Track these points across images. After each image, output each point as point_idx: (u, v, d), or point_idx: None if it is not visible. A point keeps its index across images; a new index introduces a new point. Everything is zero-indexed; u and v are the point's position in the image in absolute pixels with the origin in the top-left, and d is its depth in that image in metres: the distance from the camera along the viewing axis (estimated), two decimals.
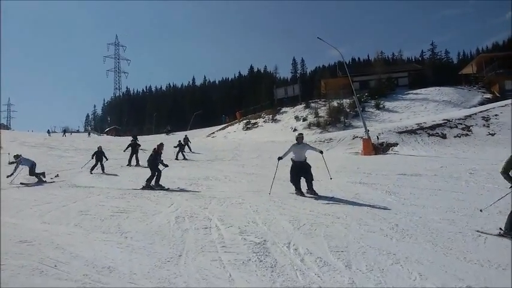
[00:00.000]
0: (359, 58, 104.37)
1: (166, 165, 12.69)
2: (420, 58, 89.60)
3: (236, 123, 46.19)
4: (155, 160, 12.28)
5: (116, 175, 15.66)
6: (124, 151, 20.04)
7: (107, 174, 15.98)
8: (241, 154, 24.16)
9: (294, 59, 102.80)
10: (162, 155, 12.71)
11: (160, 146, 12.84)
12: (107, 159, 17.14)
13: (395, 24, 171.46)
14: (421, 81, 45.78)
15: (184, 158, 22.13)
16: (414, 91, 42.36)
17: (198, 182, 13.17)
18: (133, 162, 18.84)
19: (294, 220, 7.36)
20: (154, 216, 8.02)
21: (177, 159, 21.46)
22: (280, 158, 10.67)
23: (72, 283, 4.59)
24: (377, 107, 38.82)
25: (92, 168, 16.49)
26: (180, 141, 23.80)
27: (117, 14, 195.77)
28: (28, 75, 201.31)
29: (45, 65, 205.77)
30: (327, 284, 4.53)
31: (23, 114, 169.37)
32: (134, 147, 19.41)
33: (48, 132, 56.13)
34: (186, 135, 27.28)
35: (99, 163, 16.65)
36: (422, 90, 41.80)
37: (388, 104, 39.31)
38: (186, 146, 24.59)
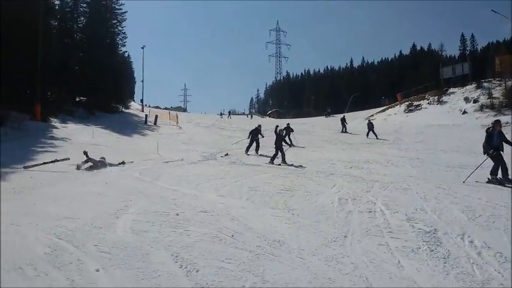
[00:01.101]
0: None
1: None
2: None
3: (397, 105, 44.01)
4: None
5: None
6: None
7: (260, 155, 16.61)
8: (402, 138, 23.08)
9: (462, 35, 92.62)
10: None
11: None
12: (262, 137, 17.63)
13: None
14: None
15: (292, 144, 18.94)
16: None
17: (359, 164, 13.04)
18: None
19: (467, 210, 6.80)
20: (318, 196, 8.23)
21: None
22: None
23: (247, 253, 5.01)
24: None
25: (247, 149, 16.73)
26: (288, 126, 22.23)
27: None
28: (201, 62, 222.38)
29: (215, 53, 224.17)
30: (510, 281, 4.12)
31: (197, 98, 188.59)
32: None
33: (220, 114, 61.41)
34: (288, 124, 23.42)
35: (254, 143, 16.90)
36: None
37: None
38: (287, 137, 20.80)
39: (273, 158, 14.05)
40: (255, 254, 4.97)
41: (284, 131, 20.59)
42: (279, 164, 13.55)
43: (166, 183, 9.79)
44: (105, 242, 5.30)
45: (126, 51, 53.57)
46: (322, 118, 48.03)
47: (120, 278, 4.25)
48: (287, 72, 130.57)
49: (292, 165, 13.39)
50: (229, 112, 66.71)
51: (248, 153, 16.55)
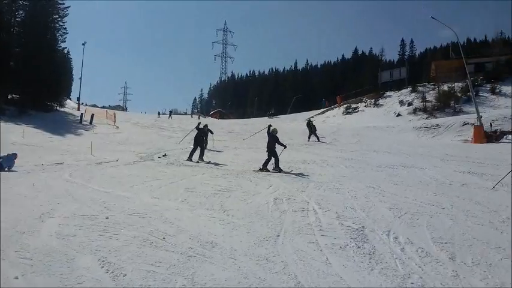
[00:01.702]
0: (475, 39, 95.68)
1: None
2: None
3: (336, 107, 45.42)
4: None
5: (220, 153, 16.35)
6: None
7: (217, 152, 16.58)
8: (339, 139, 23.81)
9: (402, 40, 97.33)
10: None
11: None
12: (212, 133, 17.51)
13: None
14: None
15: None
16: None
17: (296, 165, 13.27)
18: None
19: (394, 208, 7.14)
20: (254, 196, 8.30)
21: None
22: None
23: (178, 255, 4.95)
24: (493, 91, 35.48)
25: (191, 155, 14.98)
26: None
27: None
28: (142, 61, 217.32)
29: (158, 51, 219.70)
30: (429, 275, 4.37)
31: (139, 98, 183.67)
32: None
33: (159, 114, 60.05)
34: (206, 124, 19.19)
35: (198, 148, 15.04)
36: None
37: (505, 89, 35.71)
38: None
39: (265, 164, 12.35)
40: (186, 256, 4.91)
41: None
42: (279, 171, 12.03)
43: (98, 185, 9.44)
44: (28, 248, 5.02)
45: (66, 48, 51.13)
46: (265, 119, 48.45)
47: (40, 285, 4.05)
48: (232, 72, 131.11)
49: (292, 171, 13.39)
50: (170, 112, 62.76)
51: (192, 159, 14.80)
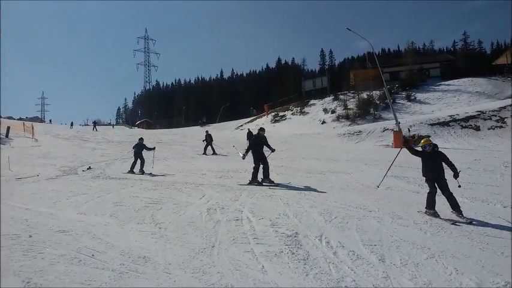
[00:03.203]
0: (389, 49, 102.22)
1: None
2: (452, 48, 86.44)
3: (264, 115, 46.29)
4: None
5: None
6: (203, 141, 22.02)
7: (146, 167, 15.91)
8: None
9: (322, 51, 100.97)
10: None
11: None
12: (153, 149, 15.74)
13: (426, 14, 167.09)
14: (453, 72, 44.51)
15: (214, 152, 21.46)
16: (446, 82, 41.35)
17: (228, 174, 13.27)
18: (210, 151, 21.33)
19: (325, 213, 7.34)
20: (187, 208, 8.14)
21: (205, 153, 21.18)
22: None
23: (109, 272, 4.72)
24: (408, 98, 38.10)
25: (132, 167, 14.75)
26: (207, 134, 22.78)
27: (145, 7, 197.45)
28: (60, 70, 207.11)
29: (77, 59, 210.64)
30: (361, 277, 4.52)
31: (58, 108, 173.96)
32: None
33: (71, 125, 56.04)
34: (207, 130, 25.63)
35: (138, 160, 14.87)
36: (455, 81, 40.74)
37: (419, 96, 38.51)
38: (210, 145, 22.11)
39: (254, 175, 11.10)
40: (117, 273, 4.69)
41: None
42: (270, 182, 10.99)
43: (18, 201, 8.76)
44: None
45: None
46: (197, 128, 48.00)
47: None
48: (157, 81, 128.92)
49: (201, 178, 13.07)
50: (95, 123, 53.86)
51: (134, 170, 14.61)
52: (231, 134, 38.55)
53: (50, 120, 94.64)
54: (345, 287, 4.28)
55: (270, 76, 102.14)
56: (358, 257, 5.13)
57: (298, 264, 4.94)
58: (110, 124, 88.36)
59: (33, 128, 32.57)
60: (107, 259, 5.16)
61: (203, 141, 22.46)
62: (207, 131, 24.14)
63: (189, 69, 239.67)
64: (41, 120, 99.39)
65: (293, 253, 5.30)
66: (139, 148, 15.28)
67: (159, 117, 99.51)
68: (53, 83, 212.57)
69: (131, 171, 14.54)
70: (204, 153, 21.32)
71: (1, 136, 29.65)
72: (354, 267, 4.82)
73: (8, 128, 31.25)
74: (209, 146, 21.81)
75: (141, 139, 16.00)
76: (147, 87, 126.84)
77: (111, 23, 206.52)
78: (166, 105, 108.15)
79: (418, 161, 8.20)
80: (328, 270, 4.73)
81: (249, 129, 24.61)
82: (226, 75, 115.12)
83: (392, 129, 24.59)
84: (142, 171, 14.46)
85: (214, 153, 21.35)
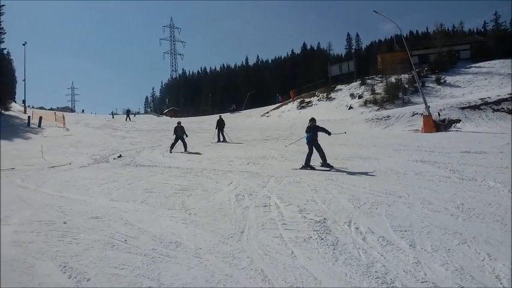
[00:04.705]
0: (417, 31, 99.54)
1: None
2: (483, 29, 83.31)
3: (290, 102, 45.98)
4: None
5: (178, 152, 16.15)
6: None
7: (175, 152, 16.55)
8: (296, 133, 24.05)
9: (348, 35, 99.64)
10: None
11: None
12: (187, 136, 17.96)
13: None
14: (484, 53, 42.90)
15: (224, 140, 21.07)
16: (477, 64, 39.87)
17: (255, 161, 13.33)
18: (221, 138, 21.16)
19: (353, 199, 7.31)
20: (216, 194, 8.25)
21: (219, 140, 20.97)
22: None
23: (142, 257, 4.84)
24: (438, 81, 37.05)
25: (172, 147, 16.99)
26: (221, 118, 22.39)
27: None
28: (89, 60, 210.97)
29: (105, 50, 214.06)
30: (391, 263, 4.50)
31: (88, 98, 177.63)
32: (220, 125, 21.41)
33: (112, 114, 57.90)
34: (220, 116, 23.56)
35: (179, 140, 17.21)
36: (486, 63, 39.24)
37: (449, 79, 37.39)
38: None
39: (308, 159, 11.42)
40: (150, 258, 4.82)
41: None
42: (329, 167, 11.10)
43: (52, 189, 9.09)
44: None
45: (5, 48, 48.78)
46: (227, 115, 48.11)
47: None
48: (183, 69, 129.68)
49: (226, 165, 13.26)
50: (128, 111, 51.07)
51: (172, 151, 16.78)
52: (258, 121, 38.54)
53: (83, 110, 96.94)
54: (375, 272, 4.28)
55: (296, 62, 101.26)
56: (388, 242, 5.10)
57: (328, 249, 4.95)
58: (139, 113, 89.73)
59: (64, 118, 33.43)
60: (139, 244, 5.30)
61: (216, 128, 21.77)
62: (220, 116, 23.56)
63: (214, 57, 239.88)
64: (71, 110, 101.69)
65: (322, 239, 5.31)
66: (181, 131, 17.48)
67: (186, 105, 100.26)
68: (83, 74, 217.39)
69: (171, 150, 16.66)
70: (219, 140, 21.07)
71: (32, 125, 30.58)
72: (384, 252, 4.79)
73: (40, 118, 32.22)
74: (220, 133, 21.34)
75: (179, 122, 18.21)
76: (174, 76, 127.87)
77: (138, 12, 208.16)
78: (193, 94, 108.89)
79: (449, 146, 8.03)
80: (357, 256, 4.73)
81: (220, 115, 23.69)
82: (251, 62, 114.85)
83: (422, 114, 24.08)
84: (186, 150, 16.66)
85: (224, 140, 21.04)
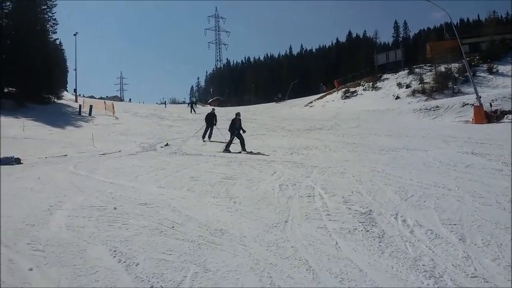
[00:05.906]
0: (468, 19, 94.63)
1: None
2: None
3: (334, 92, 45.32)
4: None
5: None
6: None
7: (211, 141, 16.82)
8: (340, 123, 23.76)
9: (395, 22, 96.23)
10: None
11: None
12: (244, 131, 15.62)
13: None
14: None
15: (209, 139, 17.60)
16: None
17: (299, 151, 13.28)
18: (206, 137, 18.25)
19: (400, 191, 7.14)
20: (259, 183, 8.31)
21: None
22: None
23: (189, 243, 4.96)
24: (490, 71, 35.31)
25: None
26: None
27: None
28: (137, 50, 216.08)
29: (152, 40, 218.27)
30: (439, 256, 4.38)
31: (135, 87, 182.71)
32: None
33: (164, 103, 59.28)
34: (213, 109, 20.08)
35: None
36: None
37: (502, 68, 35.53)
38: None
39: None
40: (196, 244, 4.93)
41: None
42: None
43: (102, 176, 9.45)
44: (39, 240, 5.04)
45: (58, 39, 50.84)
46: (269, 105, 48.09)
47: (55, 276, 4.06)
48: (227, 59, 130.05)
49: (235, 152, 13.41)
50: (193, 102, 46.89)
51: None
52: (301, 111, 38.31)
53: (130, 99, 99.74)
54: (423, 266, 4.18)
55: (340, 51, 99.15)
56: (437, 236, 4.97)
57: (373, 241, 4.89)
58: (184, 102, 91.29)
59: (113, 107, 34.56)
60: (186, 231, 5.43)
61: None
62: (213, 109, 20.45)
63: (258, 47, 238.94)
64: (120, 99, 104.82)
65: (367, 230, 5.24)
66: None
67: (230, 94, 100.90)
68: (130, 64, 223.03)
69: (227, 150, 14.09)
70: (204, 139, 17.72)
71: (83, 114, 31.81)
72: (432, 246, 4.68)
73: (91, 106, 33.48)
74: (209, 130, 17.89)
75: (238, 114, 15.31)
76: (218, 66, 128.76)
77: (184, 1, 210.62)
78: (237, 83, 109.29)
79: (501, 138, 7.68)
80: (404, 249, 4.64)
81: (213, 108, 21.04)
82: (295, 51, 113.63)
83: (473, 104, 23.09)
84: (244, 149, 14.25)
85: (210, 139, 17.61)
